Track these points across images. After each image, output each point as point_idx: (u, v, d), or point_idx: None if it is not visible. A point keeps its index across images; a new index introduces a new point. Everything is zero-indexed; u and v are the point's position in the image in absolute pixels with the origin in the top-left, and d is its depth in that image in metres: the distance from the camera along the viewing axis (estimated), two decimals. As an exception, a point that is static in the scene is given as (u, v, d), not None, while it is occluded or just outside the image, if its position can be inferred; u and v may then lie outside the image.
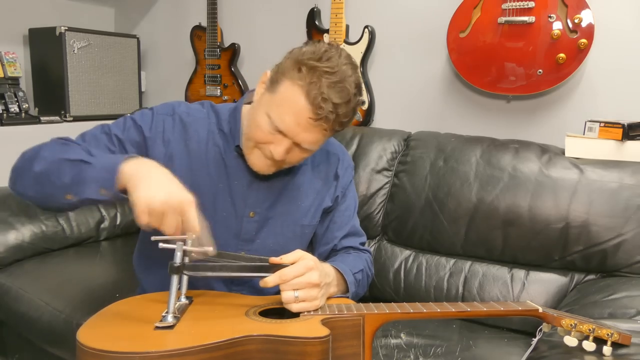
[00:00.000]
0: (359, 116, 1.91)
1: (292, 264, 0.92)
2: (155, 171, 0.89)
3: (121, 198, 0.89)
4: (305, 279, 0.91)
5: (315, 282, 0.92)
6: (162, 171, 0.90)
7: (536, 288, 1.40)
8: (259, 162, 1.04)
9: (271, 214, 1.13)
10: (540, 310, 0.92)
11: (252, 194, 1.11)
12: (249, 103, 1.10)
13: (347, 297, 1.05)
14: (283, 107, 0.94)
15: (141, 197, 0.83)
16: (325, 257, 1.18)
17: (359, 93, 0.99)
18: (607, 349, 0.86)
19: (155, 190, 0.84)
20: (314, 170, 1.19)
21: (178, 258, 0.88)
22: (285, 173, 1.14)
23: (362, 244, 1.25)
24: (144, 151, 1.08)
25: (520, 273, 1.44)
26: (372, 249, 1.62)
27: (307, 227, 1.18)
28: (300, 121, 0.94)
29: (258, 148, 1.02)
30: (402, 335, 1.28)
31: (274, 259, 0.93)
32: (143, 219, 0.83)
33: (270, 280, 0.91)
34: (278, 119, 0.95)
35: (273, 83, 0.98)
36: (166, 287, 0.89)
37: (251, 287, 1.11)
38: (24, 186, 0.98)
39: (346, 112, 0.95)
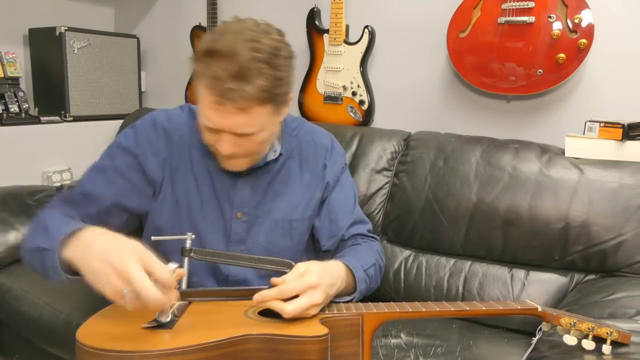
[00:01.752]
0: (359, 116, 1.91)
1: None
2: (93, 245, 0.81)
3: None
4: (307, 302, 0.86)
5: (317, 302, 0.87)
6: (100, 242, 0.81)
7: (536, 288, 1.40)
8: (227, 163, 1.04)
9: (260, 213, 1.12)
10: (539, 309, 0.92)
11: (238, 194, 1.10)
12: None
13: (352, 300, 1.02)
14: (202, 106, 0.95)
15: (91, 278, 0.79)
16: (334, 251, 1.17)
17: (266, 54, 0.91)
18: (606, 348, 0.86)
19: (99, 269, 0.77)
20: (302, 164, 1.17)
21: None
22: (268, 170, 1.12)
23: (369, 230, 1.23)
24: (141, 169, 1.08)
25: (520, 273, 1.44)
26: (372, 249, 1.62)
27: (296, 221, 1.15)
28: (216, 111, 0.93)
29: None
30: (402, 335, 1.28)
31: (276, 280, 0.88)
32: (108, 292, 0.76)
33: (268, 295, 0.86)
34: (204, 119, 0.96)
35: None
36: None
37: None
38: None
39: (256, 83, 0.90)
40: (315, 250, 1.22)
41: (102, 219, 1.02)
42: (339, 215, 1.19)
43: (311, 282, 0.88)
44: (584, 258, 1.36)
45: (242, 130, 0.95)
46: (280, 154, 1.13)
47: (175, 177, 1.10)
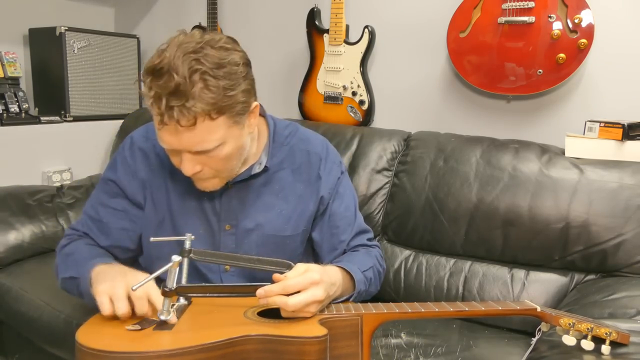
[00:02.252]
0: (359, 116, 1.91)
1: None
2: (112, 272, 0.93)
3: None
4: (310, 297, 0.86)
5: (319, 298, 0.87)
6: (116, 271, 0.94)
7: (536, 288, 1.40)
8: (199, 183, 1.03)
9: (249, 225, 1.10)
10: (538, 309, 0.92)
11: (224, 207, 1.09)
12: None
13: (351, 300, 1.03)
14: (156, 128, 0.93)
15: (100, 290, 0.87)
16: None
17: (210, 65, 0.88)
18: (605, 348, 0.86)
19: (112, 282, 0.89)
20: (295, 173, 1.13)
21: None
22: (255, 182, 1.10)
23: (370, 239, 1.22)
24: (123, 194, 1.11)
25: (520, 273, 1.44)
26: (371, 249, 1.62)
27: (289, 237, 1.13)
28: (165, 131, 0.91)
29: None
30: (402, 335, 1.28)
31: (279, 276, 0.88)
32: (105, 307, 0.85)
33: (271, 290, 0.86)
34: (159, 140, 0.94)
35: None
36: None
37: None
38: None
39: (199, 97, 0.86)
40: (313, 261, 1.20)
41: (112, 248, 1.12)
42: (340, 228, 1.16)
43: (314, 278, 0.88)
44: (584, 258, 1.36)
45: (199, 147, 0.92)
46: (266, 167, 1.10)
47: (156, 196, 1.10)
